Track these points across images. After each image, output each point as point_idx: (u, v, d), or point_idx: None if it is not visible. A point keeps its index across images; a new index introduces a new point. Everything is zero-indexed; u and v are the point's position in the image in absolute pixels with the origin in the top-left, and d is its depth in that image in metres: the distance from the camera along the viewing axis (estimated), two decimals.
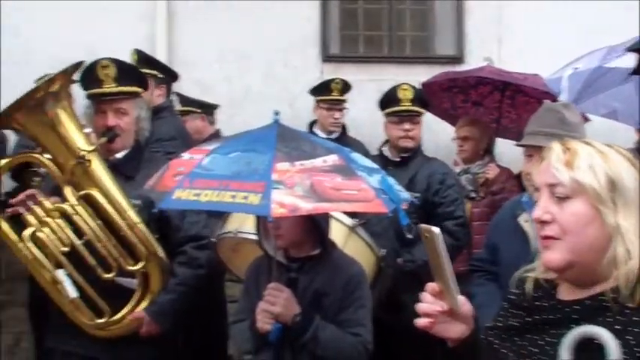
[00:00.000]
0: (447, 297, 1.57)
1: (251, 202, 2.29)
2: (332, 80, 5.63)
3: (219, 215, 3.83)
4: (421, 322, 1.60)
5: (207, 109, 5.49)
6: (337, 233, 3.17)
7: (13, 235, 3.10)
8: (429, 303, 1.60)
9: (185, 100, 5.44)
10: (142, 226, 3.06)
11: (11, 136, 4.86)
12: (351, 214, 3.39)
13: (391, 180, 2.63)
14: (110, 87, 3.18)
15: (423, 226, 1.53)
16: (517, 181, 4.61)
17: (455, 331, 1.61)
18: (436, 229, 1.51)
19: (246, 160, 2.45)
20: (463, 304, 1.59)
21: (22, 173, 5.00)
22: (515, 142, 3.57)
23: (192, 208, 2.94)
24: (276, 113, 2.68)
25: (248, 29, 6.08)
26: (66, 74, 3.08)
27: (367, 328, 2.73)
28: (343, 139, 5.44)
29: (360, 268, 2.85)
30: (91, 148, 3.03)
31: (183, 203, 2.47)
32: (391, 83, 4.53)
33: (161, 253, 3.10)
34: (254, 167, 2.40)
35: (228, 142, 2.72)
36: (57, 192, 3.12)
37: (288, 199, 2.27)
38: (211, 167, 2.49)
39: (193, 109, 5.41)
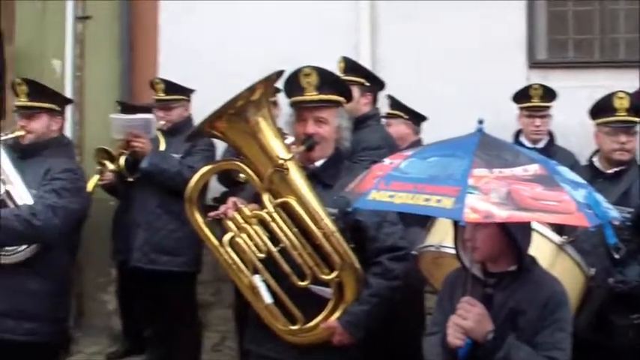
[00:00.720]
0: None
1: (444, 205, 2.23)
2: (530, 86, 5.41)
3: (420, 225, 3.78)
4: None
5: (415, 118, 5.41)
6: (545, 251, 3.05)
7: (214, 240, 3.21)
8: None
9: (396, 104, 5.39)
10: (337, 236, 3.05)
11: (220, 143, 5.07)
12: (559, 232, 3.22)
13: (599, 197, 2.43)
14: (311, 95, 3.20)
15: None
16: None
17: None
18: None
19: (444, 164, 2.39)
20: None
21: (229, 178, 5.25)
22: None
23: (385, 209, 2.92)
24: (480, 122, 2.59)
25: (451, 36, 5.94)
26: (267, 82, 3.13)
27: (565, 352, 2.52)
28: (550, 148, 5.21)
29: (561, 288, 2.64)
30: (289, 156, 3.06)
31: (377, 204, 2.47)
32: (603, 90, 4.22)
33: (356, 263, 3.07)
34: (450, 172, 2.34)
35: (428, 148, 2.70)
36: (257, 199, 3.18)
37: (483, 204, 2.18)
38: (408, 170, 2.46)
39: (401, 114, 5.35)
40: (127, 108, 5.88)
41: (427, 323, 4.46)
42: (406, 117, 5.34)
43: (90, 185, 5.27)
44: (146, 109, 5.59)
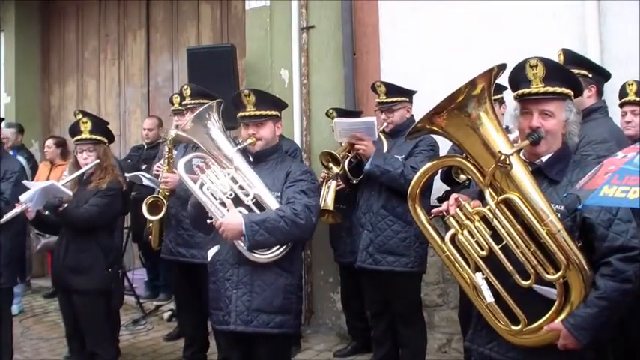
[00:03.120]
0: None
1: None
2: None
3: None
4: None
5: None
6: None
7: (437, 237, 3.20)
8: None
9: None
10: (563, 234, 2.87)
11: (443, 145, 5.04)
12: None
13: None
14: (537, 87, 3.06)
15: None
16: None
17: None
18: None
19: None
20: None
21: (451, 177, 5.22)
22: None
23: (619, 205, 2.69)
24: None
25: None
26: (488, 75, 3.03)
27: None
28: None
29: None
30: (512, 151, 2.96)
31: (609, 200, 2.34)
32: None
33: (584, 263, 2.88)
34: None
35: None
36: (481, 196, 3.12)
37: None
38: None
39: None
40: (342, 114, 6.03)
41: None
42: None
43: (331, 196, 5.49)
44: (358, 115, 5.73)
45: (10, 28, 10.66)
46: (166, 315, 7.91)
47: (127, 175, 6.38)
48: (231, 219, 3.87)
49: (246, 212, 3.95)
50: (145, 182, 6.21)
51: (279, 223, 3.86)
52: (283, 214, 3.90)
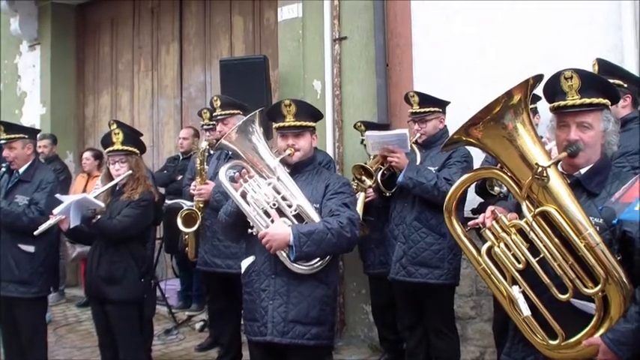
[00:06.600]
0: None
1: None
2: None
3: None
4: None
5: None
6: None
7: (473, 250, 3.16)
8: None
9: None
10: (602, 247, 2.81)
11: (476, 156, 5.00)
12: None
13: None
14: (573, 99, 3.01)
15: None
16: None
17: None
18: None
19: None
20: None
21: (485, 189, 5.17)
22: None
23: None
24: None
25: None
26: (525, 86, 2.99)
27: None
28: None
29: None
30: (549, 163, 2.91)
31: None
32: None
33: (623, 277, 2.81)
34: None
35: None
36: (518, 208, 3.07)
37: None
38: None
39: None
40: (372, 127, 6.00)
41: None
42: None
43: (359, 207, 5.46)
44: (386, 127, 5.71)
45: (47, 40, 10.82)
46: (198, 325, 7.92)
47: (168, 202, 6.41)
48: (278, 229, 3.80)
49: (289, 223, 3.89)
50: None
51: (327, 235, 3.81)
52: (330, 226, 3.83)
